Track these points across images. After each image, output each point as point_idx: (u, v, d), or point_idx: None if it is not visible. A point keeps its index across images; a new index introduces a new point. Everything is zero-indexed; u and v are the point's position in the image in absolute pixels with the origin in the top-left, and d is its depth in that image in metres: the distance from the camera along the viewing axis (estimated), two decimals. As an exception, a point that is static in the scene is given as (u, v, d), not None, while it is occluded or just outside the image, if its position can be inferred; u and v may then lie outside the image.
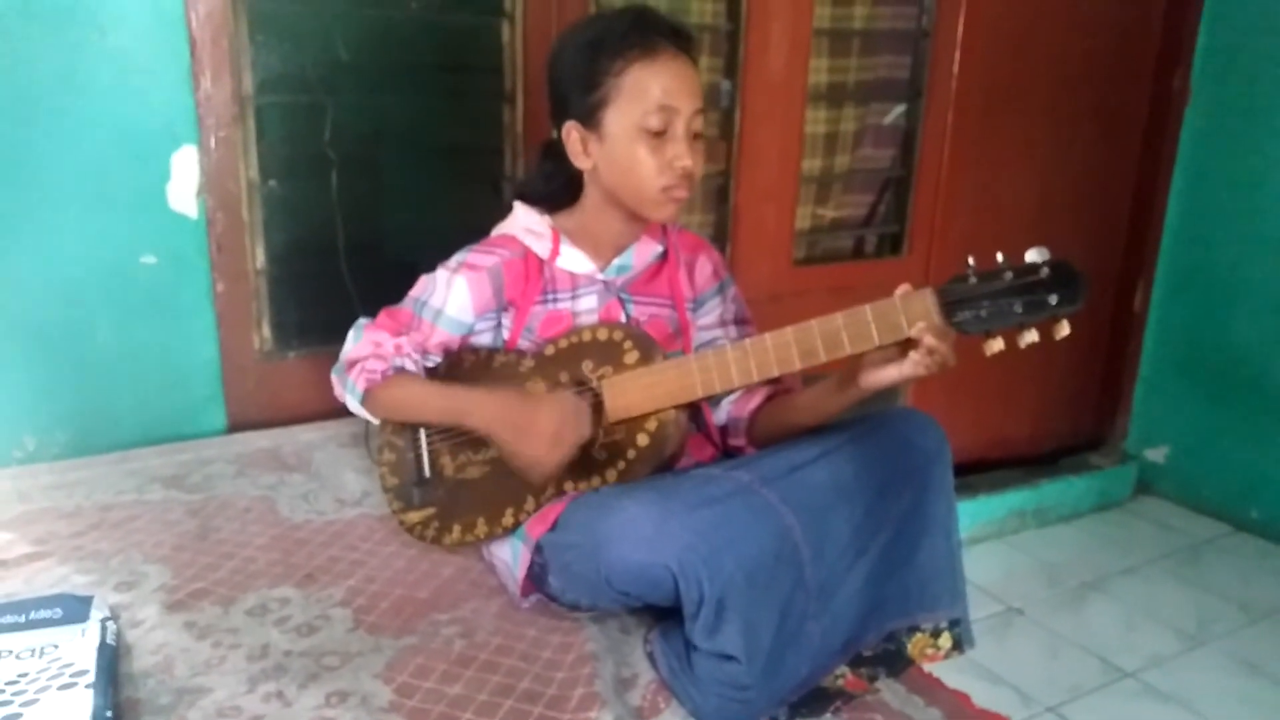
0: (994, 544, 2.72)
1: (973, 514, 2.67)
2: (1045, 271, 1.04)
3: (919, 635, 1.15)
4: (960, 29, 2.43)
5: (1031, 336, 1.06)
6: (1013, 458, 2.94)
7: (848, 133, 2.46)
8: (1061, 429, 3.06)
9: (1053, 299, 1.03)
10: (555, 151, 1.36)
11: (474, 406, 1.26)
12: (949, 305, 1.08)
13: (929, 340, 1.07)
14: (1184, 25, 2.76)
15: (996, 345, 1.07)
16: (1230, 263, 2.78)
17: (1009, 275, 1.05)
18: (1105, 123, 2.78)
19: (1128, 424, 3.09)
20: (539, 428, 1.20)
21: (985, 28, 2.45)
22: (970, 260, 1.08)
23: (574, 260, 1.35)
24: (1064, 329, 1.05)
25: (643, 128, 1.24)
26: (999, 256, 1.07)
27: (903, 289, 1.11)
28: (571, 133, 1.30)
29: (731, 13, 2.19)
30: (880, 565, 1.14)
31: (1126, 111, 2.83)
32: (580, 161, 1.31)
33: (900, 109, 2.52)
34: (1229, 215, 2.78)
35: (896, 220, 2.57)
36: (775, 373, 1.19)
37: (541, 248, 1.35)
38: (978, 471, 2.83)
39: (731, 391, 1.32)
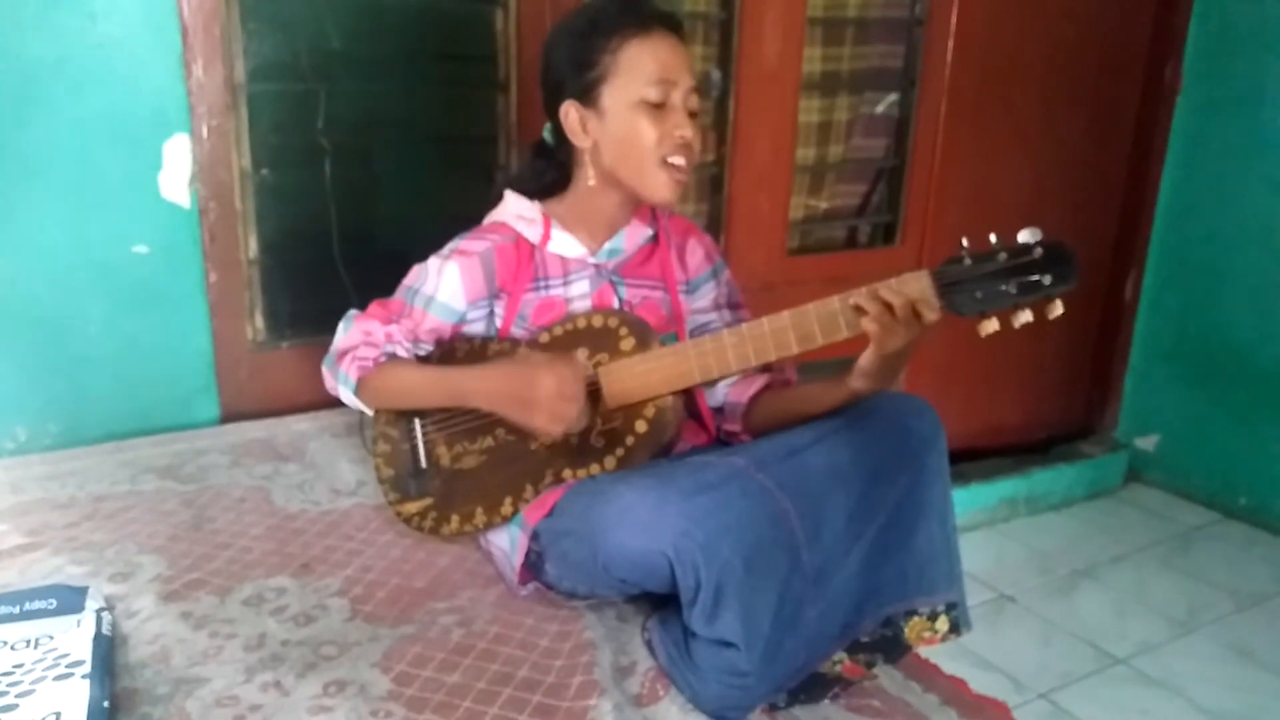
0: (985, 532, 2.74)
1: (964, 502, 2.67)
2: (1038, 252, 1.05)
3: (916, 619, 1.16)
4: (954, 18, 2.43)
5: (1026, 316, 1.07)
6: (1004, 446, 2.96)
7: (841, 122, 2.46)
8: (1052, 417, 3.08)
9: (1046, 279, 1.04)
10: (545, 150, 1.38)
11: (473, 387, 1.25)
12: (944, 287, 1.09)
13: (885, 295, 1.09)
14: (1175, 16, 2.77)
15: (991, 326, 1.08)
16: (1221, 252, 2.80)
17: (1003, 256, 1.06)
18: (1097, 113, 2.79)
19: (1118, 412, 3.11)
20: (541, 396, 1.18)
21: (979, 17, 2.45)
22: (964, 242, 1.09)
23: (565, 245, 1.35)
24: (1058, 308, 1.06)
25: (642, 100, 1.25)
26: (992, 238, 1.08)
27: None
28: (570, 112, 1.30)
29: (725, 1, 2.19)
30: (876, 550, 1.14)
31: (1118, 101, 2.84)
32: (579, 140, 1.31)
33: (891, 98, 2.52)
34: (1220, 205, 2.79)
35: (890, 210, 2.57)
36: (773, 358, 1.19)
37: (533, 233, 1.35)
38: (969, 459, 2.84)
39: (728, 377, 1.33)
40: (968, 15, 2.44)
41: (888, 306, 1.10)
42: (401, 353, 1.34)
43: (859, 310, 1.12)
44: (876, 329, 1.10)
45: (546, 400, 1.18)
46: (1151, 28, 2.80)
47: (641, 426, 1.25)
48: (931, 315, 1.09)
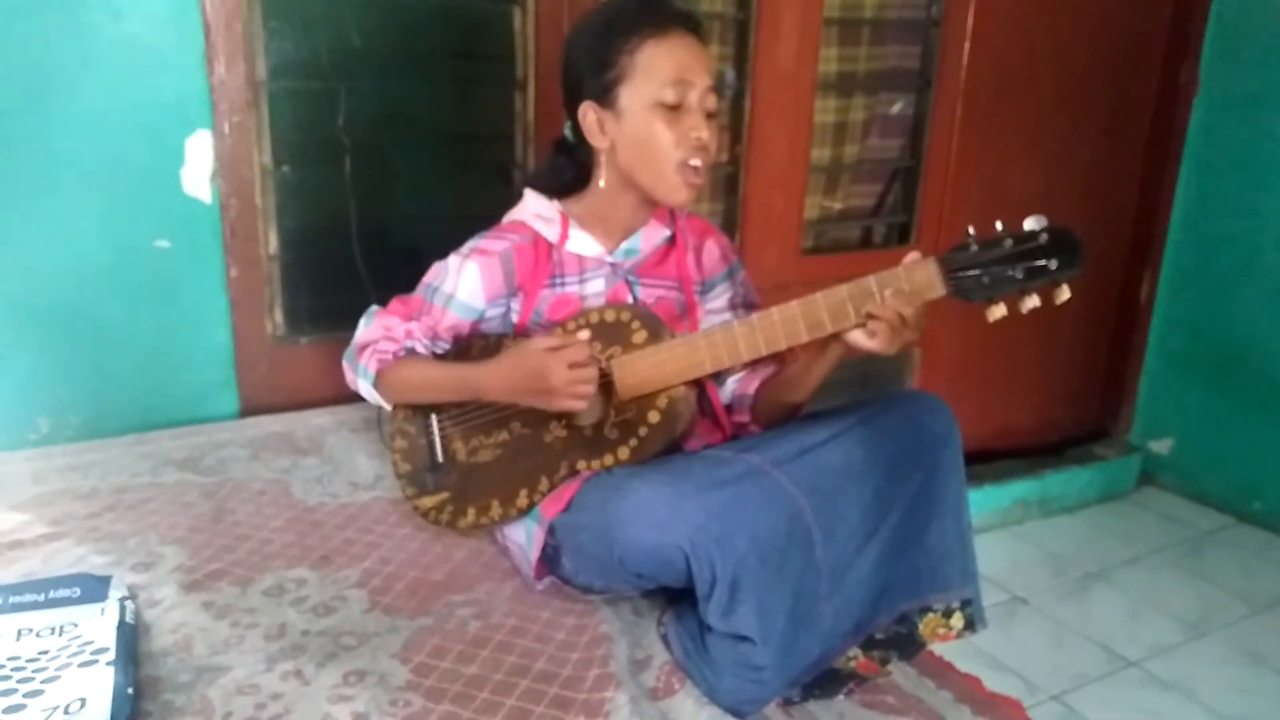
0: (999, 534, 2.74)
1: (978, 504, 2.67)
2: (1044, 238, 1.07)
3: (931, 615, 1.16)
4: (970, 19, 2.43)
5: (1033, 302, 1.08)
6: (1017, 448, 2.95)
7: (857, 122, 2.47)
8: (1066, 420, 3.07)
9: (1052, 264, 1.06)
10: (566, 147, 1.38)
11: (487, 381, 1.27)
12: (951, 273, 1.10)
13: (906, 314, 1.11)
14: (1192, 17, 2.76)
15: (999, 311, 1.10)
16: (1236, 255, 2.79)
17: (1009, 242, 1.08)
18: (1112, 114, 2.79)
19: (1132, 415, 3.10)
20: (555, 383, 1.20)
21: (995, 17, 2.46)
22: (970, 229, 1.11)
23: (582, 244, 1.36)
24: (1064, 293, 1.08)
25: (659, 101, 1.25)
26: (998, 225, 1.10)
27: (910, 258, 1.13)
28: (588, 113, 1.31)
29: (742, 2, 2.19)
30: (891, 546, 1.15)
31: (1134, 103, 2.83)
32: (597, 141, 1.32)
33: (907, 99, 2.52)
34: (1235, 207, 2.78)
35: (905, 210, 2.57)
36: (783, 346, 1.19)
37: (551, 232, 1.36)
38: (983, 461, 2.84)
39: (740, 366, 1.33)
40: (984, 16, 2.44)
41: (900, 315, 1.11)
42: (420, 349, 1.35)
43: (871, 316, 1.13)
44: (886, 329, 1.12)
45: (561, 385, 1.19)
46: (1168, 28, 2.79)
47: (655, 417, 1.26)
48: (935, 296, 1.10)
